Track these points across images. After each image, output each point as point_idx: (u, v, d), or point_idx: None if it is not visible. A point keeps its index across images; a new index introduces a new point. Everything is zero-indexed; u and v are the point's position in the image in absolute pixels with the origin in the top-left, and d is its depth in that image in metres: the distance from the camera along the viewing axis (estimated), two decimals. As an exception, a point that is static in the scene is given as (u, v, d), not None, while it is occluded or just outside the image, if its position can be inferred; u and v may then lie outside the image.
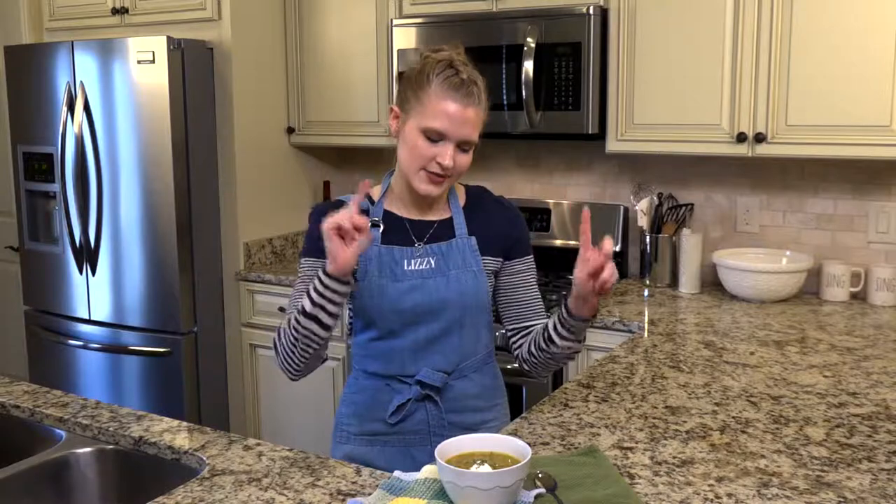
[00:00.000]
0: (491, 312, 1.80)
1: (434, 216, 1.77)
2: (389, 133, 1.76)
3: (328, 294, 1.56)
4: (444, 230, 1.75)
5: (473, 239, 1.75)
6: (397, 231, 1.74)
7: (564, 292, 1.65)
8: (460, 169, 1.67)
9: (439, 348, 1.73)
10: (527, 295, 1.81)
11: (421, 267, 1.70)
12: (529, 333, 1.80)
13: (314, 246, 1.70)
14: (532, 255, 1.83)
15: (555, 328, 1.69)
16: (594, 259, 1.52)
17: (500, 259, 1.78)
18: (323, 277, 1.56)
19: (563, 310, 1.65)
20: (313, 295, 1.57)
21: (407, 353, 1.72)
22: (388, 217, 1.75)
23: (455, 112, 1.62)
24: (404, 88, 1.70)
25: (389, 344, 1.73)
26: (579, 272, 1.55)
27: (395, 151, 1.72)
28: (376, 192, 1.79)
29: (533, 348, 1.76)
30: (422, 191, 1.68)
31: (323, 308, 1.57)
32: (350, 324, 1.82)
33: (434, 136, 1.64)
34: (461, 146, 1.66)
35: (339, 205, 1.75)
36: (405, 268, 1.70)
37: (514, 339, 1.82)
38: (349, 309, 1.80)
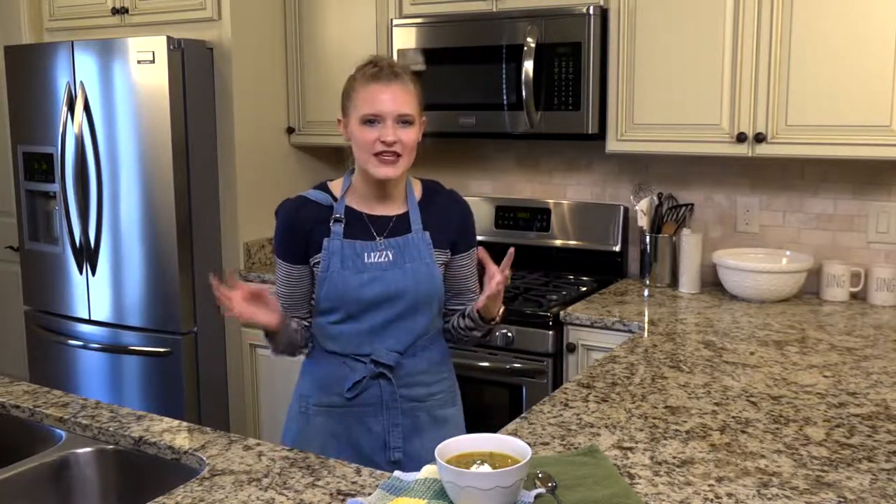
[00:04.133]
0: (442, 298, 1.93)
1: (392, 211, 1.90)
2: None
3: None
4: (401, 224, 1.89)
5: (427, 234, 1.89)
6: (358, 225, 1.87)
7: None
8: (407, 144, 1.80)
9: (393, 332, 1.87)
10: (467, 283, 1.99)
11: (380, 260, 1.85)
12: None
13: (284, 250, 1.92)
14: (475, 246, 1.97)
15: (465, 317, 1.93)
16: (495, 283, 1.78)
17: (448, 251, 1.93)
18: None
19: (473, 312, 1.89)
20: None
21: (363, 336, 1.86)
22: (349, 212, 1.88)
23: (379, 92, 1.79)
24: (342, 99, 1.89)
25: (347, 327, 1.87)
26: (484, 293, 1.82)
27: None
28: (337, 189, 1.92)
29: (451, 325, 1.97)
30: (380, 175, 1.80)
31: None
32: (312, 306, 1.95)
33: (370, 120, 1.80)
34: (400, 122, 1.80)
35: (304, 201, 1.91)
36: (366, 260, 1.85)
37: (447, 315, 1.99)
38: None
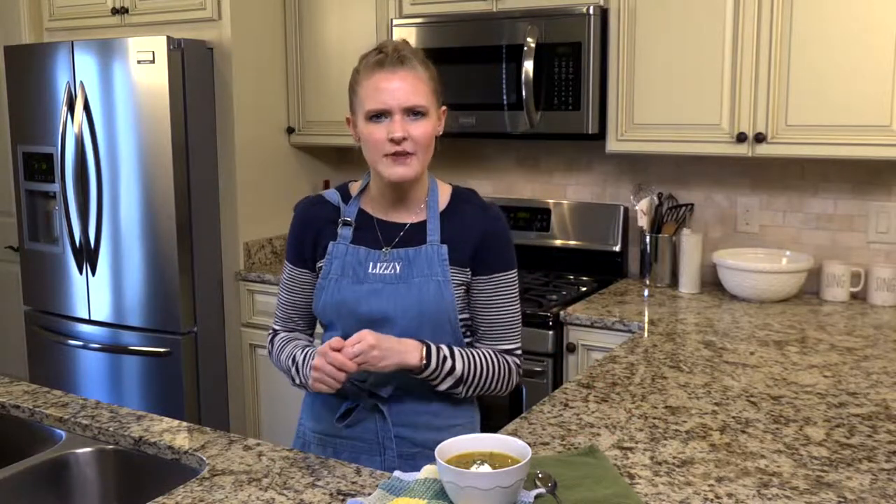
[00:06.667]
0: (459, 327, 1.69)
1: (407, 218, 1.69)
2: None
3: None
4: (414, 234, 1.68)
5: (445, 248, 1.65)
6: (367, 231, 1.69)
7: None
8: (419, 140, 1.58)
9: None
10: (483, 315, 1.70)
11: (385, 272, 1.65)
12: None
13: (293, 251, 1.77)
14: (512, 271, 1.71)
15: None
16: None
17: (468, 271, 1.68)
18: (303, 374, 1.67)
19: None
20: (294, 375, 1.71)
21: None
22: (361, 216, 1.71)
23: (383, 83, 1.57)
24: (349, 94, 1.67)
25: None
26: None
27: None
28: (355, 189, 1.75)
29: None
30: (392, 176, 1.60)
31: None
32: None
33: (377, 116, 1.58)
34: (410, 114, 1.58)
35: (318, 199, 1.77)
36: (369, 270, 1.66)
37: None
38: None
